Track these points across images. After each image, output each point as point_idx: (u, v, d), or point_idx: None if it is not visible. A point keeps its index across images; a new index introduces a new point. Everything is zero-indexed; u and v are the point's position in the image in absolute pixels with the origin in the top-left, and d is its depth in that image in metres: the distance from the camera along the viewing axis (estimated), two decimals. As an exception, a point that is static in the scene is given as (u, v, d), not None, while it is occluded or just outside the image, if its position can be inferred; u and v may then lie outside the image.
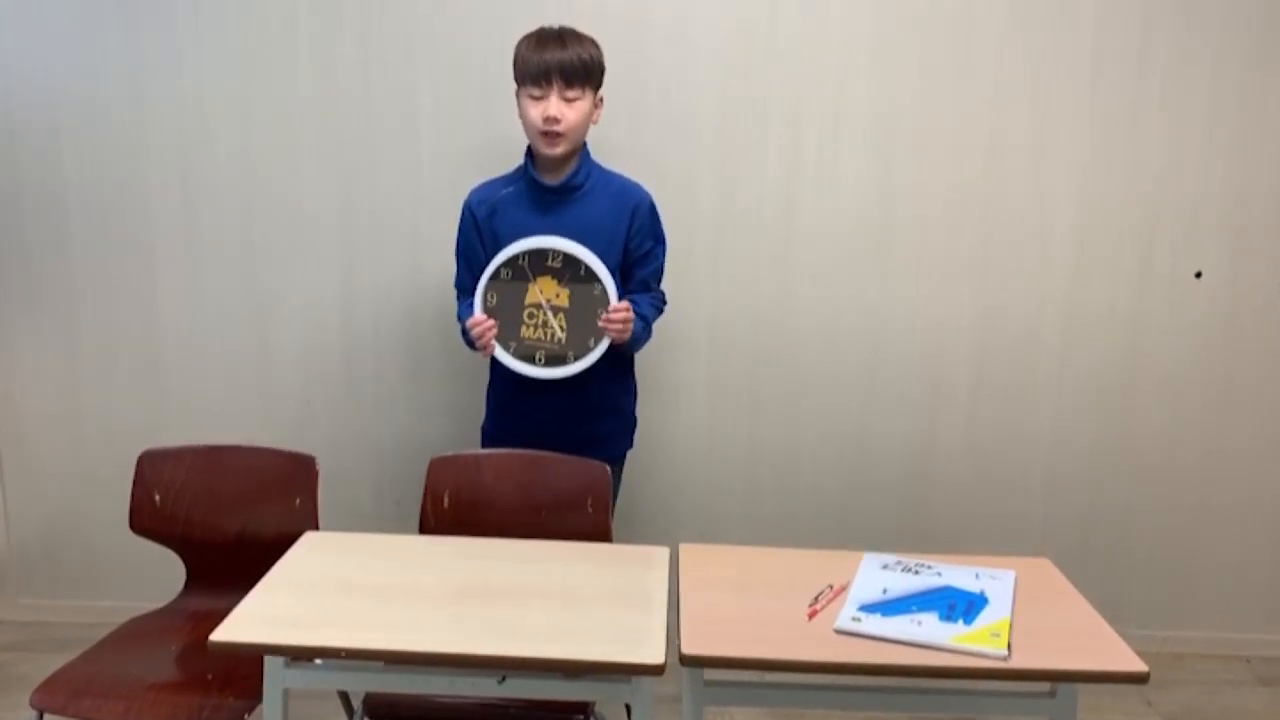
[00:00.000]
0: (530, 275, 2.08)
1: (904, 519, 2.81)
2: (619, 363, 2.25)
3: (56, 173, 2.67)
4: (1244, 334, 2.71)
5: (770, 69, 2.59)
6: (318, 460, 2.12)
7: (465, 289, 2.24)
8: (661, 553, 1.84)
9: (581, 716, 1.79)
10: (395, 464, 2.79)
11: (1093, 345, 2.72)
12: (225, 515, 2.13)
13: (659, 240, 2.25)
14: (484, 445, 2.30)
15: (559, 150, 2.10)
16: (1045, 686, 1.62)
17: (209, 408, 2.77)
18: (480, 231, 2.20)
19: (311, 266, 2.71)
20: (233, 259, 2.70)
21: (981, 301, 2.70)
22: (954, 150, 2.62)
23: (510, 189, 2.20)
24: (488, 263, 2.14)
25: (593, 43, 2.12)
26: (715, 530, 2.80)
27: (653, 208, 2.23)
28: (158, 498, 2.13)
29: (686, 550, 1.86)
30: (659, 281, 2.28)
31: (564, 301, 2.08)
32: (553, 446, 2.11)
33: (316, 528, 2.06)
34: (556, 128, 2.06)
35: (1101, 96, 2.59)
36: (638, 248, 2.20)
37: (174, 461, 2.14)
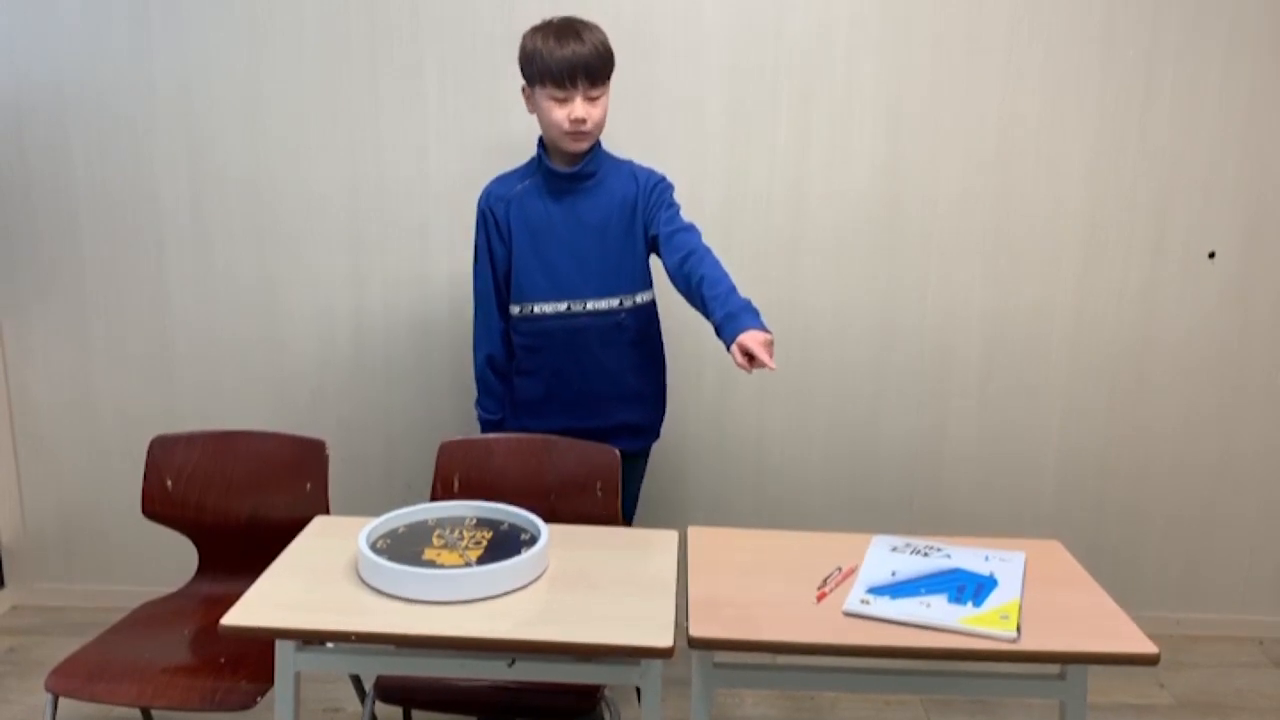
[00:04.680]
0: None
1: (914, 504, 2.81)
2: (652, 359, 2.29)
3: (65, 161, 2.67)
4: (1258, 314, 2.69)
5: (779, 51, 2.57)
6: (328, 445, 2.13)
7: (489, 308, 2.20)
8: (670, 536, 1.84)
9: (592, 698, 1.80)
10: (405, 448, 2.80)
11: (1105, 327, 2.70)
12: (236, 500, 2.14)
13: (673, 196, 2.18)
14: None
15: (585, 146, 2.08)
16: (1055, 668, 1.62)
17: (220, 393, 2.78)
18: (499, 228, 2.16)
19: (320, 252, 2.71)
20: (242, 245, 2.71)
21: (992, 284, 2.69)
22: (965, 133, 2.60)
23: (525, 183, 2.16)
24: (508, 260, 2.15)
25: (601, 30, 2.07)
26: (724, 515, 2.80)
27: (663, 177, 2.18)
28: (169, 483, 2.14)
29: (695, 533, 1.86)
30: (696, 229, 2.13)
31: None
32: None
33: (327, 512, 2.06)
34: (584, 128, 2.04)
35: (1113, 77, 2.57)
36: (655, 203, 2.15)
37: (185, 447, 2.15)
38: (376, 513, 1.78)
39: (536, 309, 2.15)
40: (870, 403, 2.76)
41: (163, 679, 1.80)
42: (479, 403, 2.27)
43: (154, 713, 2.22)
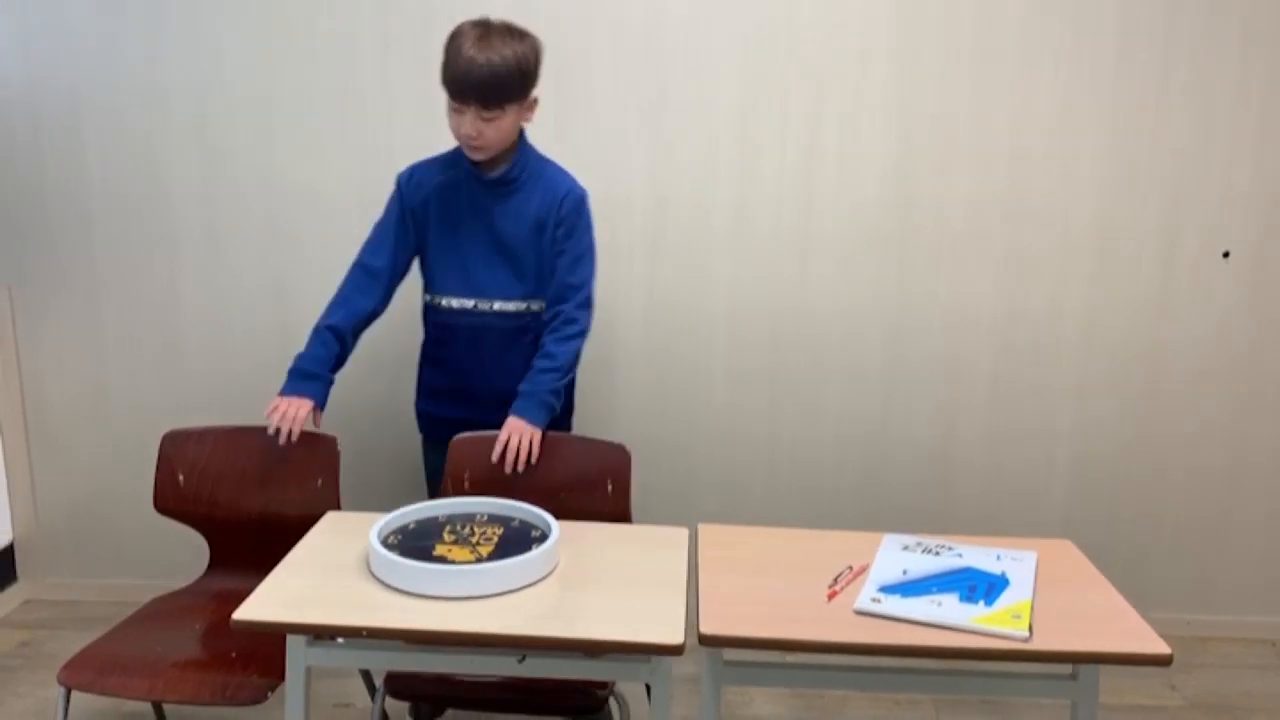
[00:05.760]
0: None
1: (925, 505, 2.80)
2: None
3: (79, 160, 2.68)
4: (1272, 316, 2.67)
5: (790, 57, 2.57)
6: (339, 441, 2.13)
7: (361, 278, 2.17)
8: (680, 533, 1.84)
9: (603, 694, 1.80)
10: (417, 444, 2.79)
11: (1117, 330, 2.69)
12: (248, 495, 2.15)
13: (582, 241, 2.14)
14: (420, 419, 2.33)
15: (480, 158, 2.07)
16: (1066, 668, 1.61)
17: (232, 390, 2.79)
18: (411, 215, 2.16)
19: (331, 250, 2.70)
20: (253, 243, 2.72)
21: (1004, 286, 2.68)
22: (976, 136, 2.59)
23: (444, 177, 2.15)
24: (407, 250, 2.16)
25: (522, 45, 1.99)
26: (734, 514, 2.80)
27: (579, 202, 2.14)
28: (181, 478, 2.15)
29: (705, 530, 1.86)
30: (581, 290, 2.14)
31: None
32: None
33: (338, 508, 2.07)
34: (474, 143, 2.03)
35: (1125, 78, 2.55)
36: (560, 240, 2.12)
37: (197, 442, 2.16)
38: (387, 509, 1.79)
39: (444, 302, 2.18)
40: (881, 406, 2.75)
41: (174, 673, 1.81)
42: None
43: (165, 707, 2.23)
